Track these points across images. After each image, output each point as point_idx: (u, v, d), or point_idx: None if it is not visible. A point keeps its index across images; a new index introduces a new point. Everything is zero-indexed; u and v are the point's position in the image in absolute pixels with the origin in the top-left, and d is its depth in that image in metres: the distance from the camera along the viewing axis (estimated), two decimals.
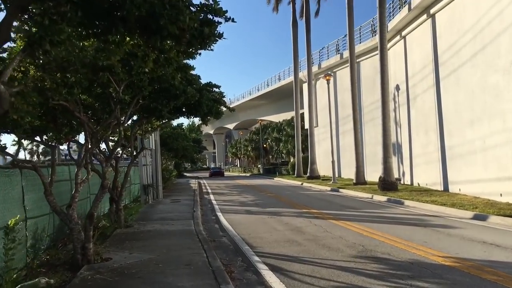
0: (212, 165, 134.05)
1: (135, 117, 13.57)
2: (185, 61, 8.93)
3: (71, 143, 11.65)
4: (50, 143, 9.84)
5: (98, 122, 9.61)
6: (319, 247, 9.75)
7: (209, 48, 5.44)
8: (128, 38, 5.42)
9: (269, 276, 7.47)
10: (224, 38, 5.20)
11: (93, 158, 8.66)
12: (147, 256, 8.75)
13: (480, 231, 11.36)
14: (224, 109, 12.83)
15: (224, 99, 12.12)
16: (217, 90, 12.34)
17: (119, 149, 17.30)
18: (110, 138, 17.65)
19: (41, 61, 5.58)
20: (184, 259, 8.36)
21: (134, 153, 14.39)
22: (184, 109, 11.84)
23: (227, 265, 8.37)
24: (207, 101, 11.35)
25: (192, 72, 11.36)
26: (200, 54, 6.11)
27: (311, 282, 7.08)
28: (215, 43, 5.27)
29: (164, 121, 14.69)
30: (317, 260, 8.60)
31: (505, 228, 11.59)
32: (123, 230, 12.14)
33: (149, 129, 15.58)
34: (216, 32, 5.08)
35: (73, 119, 8.86)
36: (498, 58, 16.40)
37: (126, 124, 13.49)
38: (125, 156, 26.47)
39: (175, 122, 38.73)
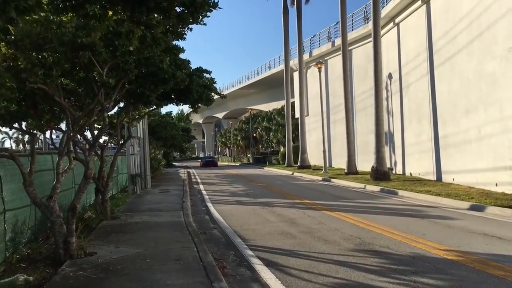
0: (202, 155, 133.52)
1: (122, 104, 13.02)
2: (174, 43, 8.43)
3: (55, 131, 11.10)
4: (31, 130, 9.29)
5: (81, 108, 9.05)
6: (315, 240, 9.34)
7: (202, 22, 4.90)
8: (110, 12, 4.87)
9: (264, 272, 7.04)
10: (219, 7, 4.65)
11: (76, 147, 8.10)
12: (134, 250, 8.27)
13: (479, 222, 11.03)
14: (215, 96, 12.29)
15: (215, 85, 11.59)
16: (207, 75, 11.80)
17: (106, 137, 16.77)
18: (96, 125, 17.10)
19: (12, 37, 5.03)
20: (173, 254, 7.89)
21: (121, 142, 13.82)
22: (173, 96, 11.28)
23: (219, 259, 7.92)
24: (197, 87, 10.81)
25: (182, 56, 10.84)
26: (191, 30, 5.54)
27: (308, 278, 6.66)
28: (209, 15, 4.73)
29: (152, 108, 14.11)
30: (313, 254, 8.18)
31: (504, 220, 11.26)
32: (109, 222, 11.63)
33: (137, 116, 14.99)
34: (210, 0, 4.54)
35: (54, 105, 8.31)
36: (495, 44, 16.02)
37: (112, 111, 12.92)
38: (112, 145, 25.91)
39: (163, 110, 38.04)
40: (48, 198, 7.53)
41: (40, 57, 5.65)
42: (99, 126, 20.35)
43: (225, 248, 9.02)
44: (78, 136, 10.53)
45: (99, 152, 12.03)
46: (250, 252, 8.44)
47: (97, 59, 6.30)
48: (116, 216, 12.47)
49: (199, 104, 11.76)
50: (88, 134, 12.18)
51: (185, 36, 6.08)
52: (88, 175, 7.74)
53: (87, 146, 8.17)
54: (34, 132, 8.60)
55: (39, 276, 6.75)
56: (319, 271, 7.02)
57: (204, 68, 11.24)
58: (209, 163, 59.73)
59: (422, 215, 12.40)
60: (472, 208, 13.19)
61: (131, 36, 5.62)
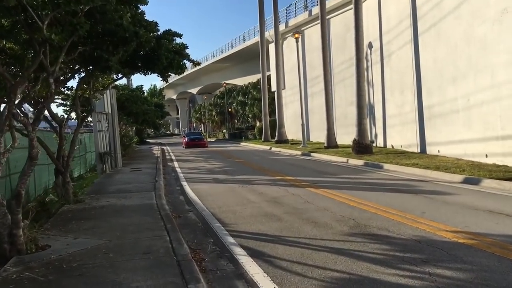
0: (177, 131, 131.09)
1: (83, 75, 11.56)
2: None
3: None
4: None
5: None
6: (303, 223, 8.29)
7: None
8: None
9: (249, 265, 5.94)
10: None
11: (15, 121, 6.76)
12: (96, 241, 7.06)
13: (479, 197, 10.17)
14: (188, 63, 10.96)
15: (187, 50, 10.28)
16: (178, 40, 10.46)
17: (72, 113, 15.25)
18: (56, 99, 15.57)
19: None
20: (142, 245, 6.71)
21: (84, 117, 12.41)
22: (139, 64, 9.93)
23: (196, 250, 6.79)
24: (167, 53, 9.47)
25: (147, 17, 9.48)
26: None
27: (302, 272, 5.60)
28: None
29: (116, 78, 12.62)
30: (304, 240, 7.13)
31: (504, 193, 10.43)
32: (71, 207, 10.34)
33: (100, 88, 13.50)
34: None
35: None
36: (486, 7, 15.03)
37: (72, 82, 11.46)
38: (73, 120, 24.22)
39: (134, 84, 36.15)
40: None
41: None
42: (63, 101, 18.84)
43: (203, 234, 7.89)
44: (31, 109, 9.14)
45: (58, 128, 10.64)
46: (232, 240, 7.33)
47: (34, 4, 4.96)
48: (80, 200, 11.17)
49: (170, 73, 10.43)
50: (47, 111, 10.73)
51: None
52: (33, 155, 6.43)
53: (27, 120, 6.79)
54: None
55: None
56: (313, 261, 5.97)
57: (174, 31, 9.89)
58: (196, 142, 41.79)
59: (415, 190, 11.49)
60: (466, 181, 12.36)
61: None
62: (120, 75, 11.53)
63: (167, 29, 9.90)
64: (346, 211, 9.11)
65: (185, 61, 10.67)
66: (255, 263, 6.03)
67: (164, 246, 6.56)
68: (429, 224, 7.65)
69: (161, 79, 10.52)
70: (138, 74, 10.86)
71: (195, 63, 11.20)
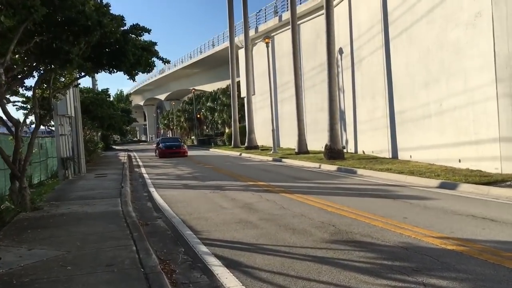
0: (144, 138, 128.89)
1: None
2: None
3: None
4: None
5: None
6: (281, 230, 7.77)
7: None
8: None
9: (226, 277, 5.38)
10: None
11: None
12: (53, 252, 6.35)
13: (458, 202, 9.89)
14: (156, 68, 10.35)
15: (156, 47, 9.66)
16: (147, 37, 9.88)
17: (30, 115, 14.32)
18: (16, 102, 14.63)
19: None
20: (105, 256, 6.05)
21: (42, 116, 11.57)
22: (104, 61, 9.24)
23: (166, 260, 6.18)
24: (134, 49, 8.84)
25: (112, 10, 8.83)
26: None
27: (285, 284, 5.08)
28: None
29: (79, 75, 11.72)
30: (283, 248, 6.61)
31: (483, 198, 10.19)
32: (28, 214, 9.53)
33: (62, 86, 12.60)
34: None
35: None
36: (460, 10, 14.96)
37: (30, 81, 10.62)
38: (47, 128, 23.12)
39: (99, 88, 34.88)
40: None
41: None
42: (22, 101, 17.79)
43: (173, 243, 7.28)
44: None
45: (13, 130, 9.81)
46: (205, 249, 6.75)
47: None
48: (38, 207, 10.36)
49: (138, 71, 9.77)
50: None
51: None
52: None
53: None
54: None
55: None
56: (296, 272, 5.45)
57: (142, 25, 9.26)
58: (173, 150, 33.36)
59: (393, 195, 11.16)
60: (443, 186, 12.12)
61: None
62: (83, 73, 10.76)
63: (134, 23, 9.24)
64: (325, 217, 8.65)
65: (154, 59, 10.03)
66: (231, 274, 5.47)
67: (130, 257, 5.92)
68: (413, 230, 7.26)
69: (128, 77, 9.84)
70: (104, 72, 10.16)
71: (165, 61, 10.56)
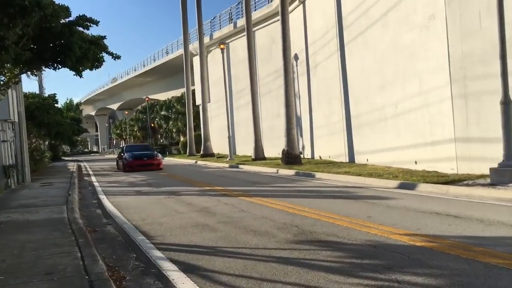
0: (96, 148, 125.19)
1: None
2: None
3: None
4: None
5: None
6: (241, 232, 7.30)
7: None
8: None
9: (182, 282, 4.85)
10: None
11: None
12: None
13: (420, 200, 9.75)
14: (106, 55, 9.66)
15: (105, 41, 9.02)
16: (96, 31, 9.22)
17: None
18: None
19: None
20: (45, 264, 5.38)
21: None
22: (48, 55, 8.53)
23: (115, 267, 5.57)
24: (81, 42, 8.21)
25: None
26: None
27: (248, 287, 4.61)
28: None
29: (21, 69, 10.75)
30: (245, 250, 6.15)
31: (444, 196, 10.12)
32: None
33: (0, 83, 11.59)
34: None
35: None
36: (414, 13, 15.10)
37: None
38: None
39: (47, 93, 33.16)
40: None
41: None
42: None
43: (124, 249, 6.66)
44: None
45: None
46: (159, 253, 6.18)
47: None
48: None
49: (84, 66, 9.09)
50: None
51: None
52: None
53: None
54: None
55: None
56: (260, 274, 5.00)
57: (89, 16, 8.62)
58: (145, 162, 25.10)
59: (354, 196, 10.94)
60: (402, 186, 12.03)
61: None
62: (25, 69, 9.94)
63: (81, 14, 8.60)
64: (287, 218, 8.26)
65: (104, 54, 9.38)
66: (189, 279, 4.95)
67: (73, 264, 5.28)
68: (379, 228, 6.97)
69: (74, 73, 9.14)
70: (48, 69, 9.42)
71: (115, 57, 9.91)
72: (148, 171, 23.60)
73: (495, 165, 10.69)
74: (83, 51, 8.30)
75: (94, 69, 9.17)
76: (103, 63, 9.41)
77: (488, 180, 10.84)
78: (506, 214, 7.67)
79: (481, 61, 12.21)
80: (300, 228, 7.31)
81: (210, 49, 40.97)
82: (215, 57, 39.29)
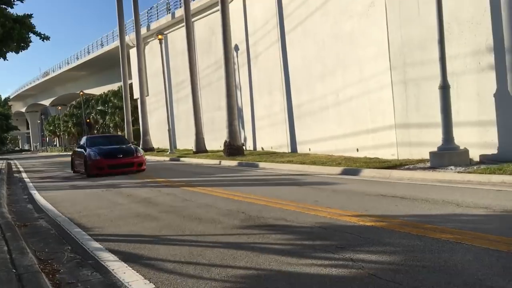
0: (27, 146, 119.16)
1: None
2: None
3: None
4: None
5: None
6: (185, 220, 6.94)
7: None
8: None
9: (123, 272, 4.44)
10: None
11: None
12: None
13: (365, 184, 9.80)
14: (33, 36, 8.92)
15: (32, 20, 8.30)
16: (22, 9, 8.48)
17: None
18: None
19: None
20: None
21: None
22: None
23: (47, 260, 5.05)
24: (4, 19, 7.48)
25: None
26: None
27: (196, 273, 4.29)
28: None
29: None
30: (190, 237, 5.81)
31: (387, 180, 10.22)
32: None
33: None
34: None
35: None
36: (353, 1, 15.22)
37: None
38: None
39: None
40: None
41: None
42: None
43: (57, 242, 6.11)
44: None
45: None
46: (97, 244, 5.72)
47: None
48: None
49: (9, 49, 8.34)
50: None
51: None
52: None
53: None
54: None
55: None
56: (207, 260, 4.69)
57: None
58: (118, 161, 16.67)
59: (299, 182, 10.84)
60: (346, 172, 12.07)
61: None
62: None
63: None
64: (233, 205, 7.97)
65: (30, 35, 8.65)
66: (130, 268, 4.55)
67: None
68: (327, 211, 6.84)
69: None
70: None
71: (43, 37, 9.15)
72: (126, 173, 16.28)
73: (435, 149, 10.94)
74: (7, 30, 7.58)
75: (20, 50, 8.43)
76: (30, 44, 8.69)
77: (428, 164, 11.08)
78: (449, 193, 7.78)
79: (419, 47, 12.47)
80: (247, 214, 7.06)
81: (148, 40, 39.79)
82: (153, 49, 38.24)
